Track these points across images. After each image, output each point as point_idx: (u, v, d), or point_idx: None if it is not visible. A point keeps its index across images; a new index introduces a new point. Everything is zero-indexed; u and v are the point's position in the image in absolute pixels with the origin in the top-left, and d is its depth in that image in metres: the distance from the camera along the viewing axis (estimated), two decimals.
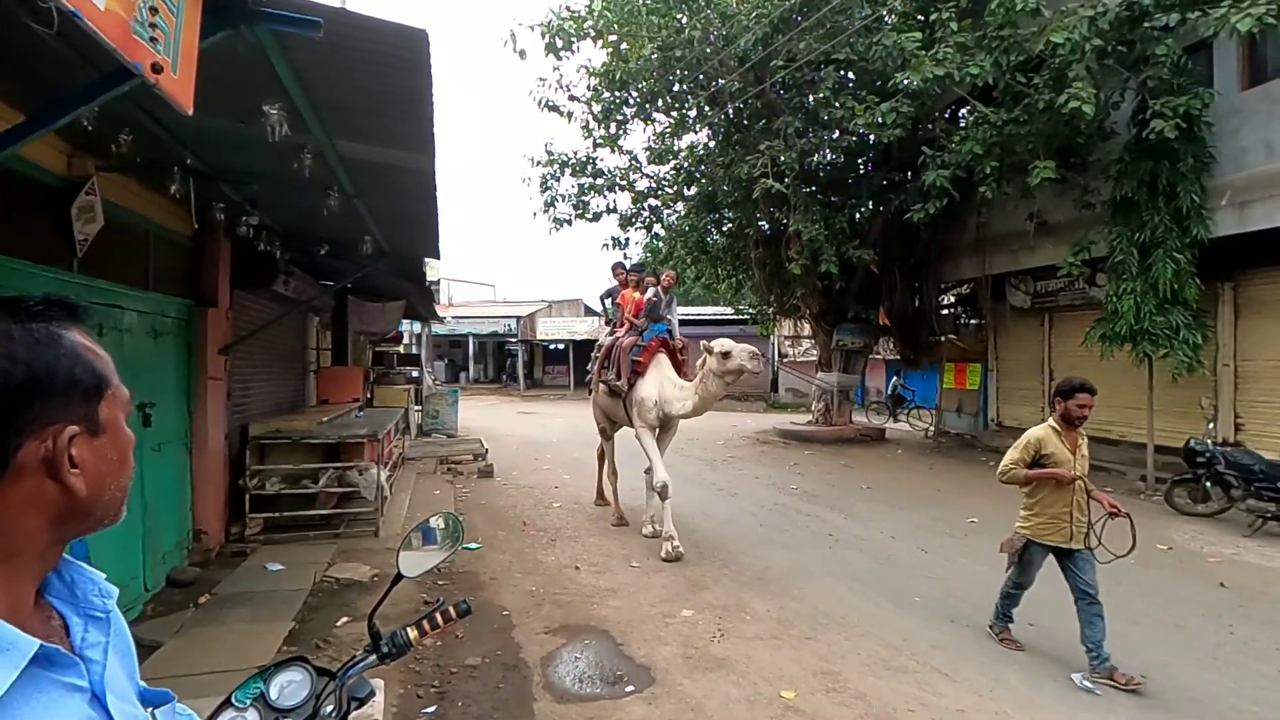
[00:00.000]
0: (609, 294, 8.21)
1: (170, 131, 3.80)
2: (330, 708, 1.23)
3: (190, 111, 2.00)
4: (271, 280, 6.75)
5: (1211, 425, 8.74)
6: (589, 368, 8.14)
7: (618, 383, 6.96)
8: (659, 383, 6.77)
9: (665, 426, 7.02)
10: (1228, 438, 8.88)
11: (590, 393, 8.18)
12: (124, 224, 4.74)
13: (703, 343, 6.30)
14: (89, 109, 2.37)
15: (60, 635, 0.70)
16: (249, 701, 1.17)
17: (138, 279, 5.03)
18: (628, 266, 8.28)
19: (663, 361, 6.95)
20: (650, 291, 7.29)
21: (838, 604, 5.12)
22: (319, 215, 4.89)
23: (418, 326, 20.51)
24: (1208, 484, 7.51)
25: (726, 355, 6.03)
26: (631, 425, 7.19)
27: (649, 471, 6.87)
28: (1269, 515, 6.87)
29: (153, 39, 1.72)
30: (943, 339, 14.96)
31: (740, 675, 3.96)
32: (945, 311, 15.24)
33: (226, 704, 1.13)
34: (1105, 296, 9.31)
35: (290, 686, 1.21)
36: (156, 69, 1.72)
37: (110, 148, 3.70)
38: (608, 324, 8.27)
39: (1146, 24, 8.35)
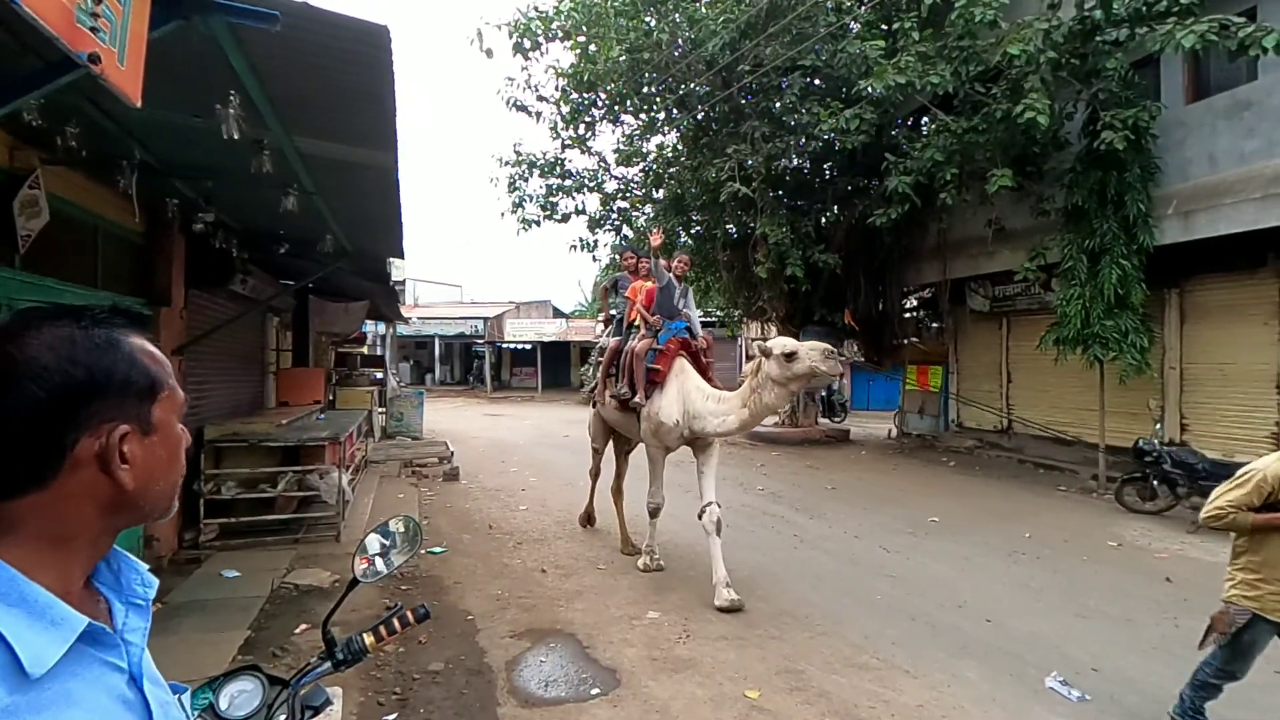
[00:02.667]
0: (615, 284, 6.87)
1: (119, 124, 3.67)
2: (283, 717, 1.20)
3: (138, 104, 1.94)
4: (228, 279, 6.57)
5: (1159, 426, 9.09)
6: (589, 374, 6.79)
7: (635, 398, 5.77)
8: (682, 395, 5.58)
9: (699, 446, 5.77)
10: (1174, 438, 9.24)
11: (594, 405, 6.92)
12: (71, 219, 4.56)
13: (757, 343, 5.20)
14: (31, 100, 2.28)
15: (105, 618, 0.75)
16: (197, 713, 1.13)
17: (86, 277, 4.85)
18: (640, 251, 6.75)
19: (685, 368, 5.74)
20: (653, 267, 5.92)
21: (801, 603, 5.18)
22: (278, 213, 4.78)
23: (382, 327, 20.18)
24: (1155, 482, 7.79)
25: (791, 357, 4.86)
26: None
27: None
28: None
29: (98, 28, 1.66)
30: (905, 341, 15.28)
31: (705, 675, 3.98)
32: (908, 315, 15.57)
33: None
34: (1055, 301, 9.62)
35: (241, 696, 1.18)
36: (94, 58, 1.65)
37: (56, 140, 3.55)
38: (607, 324, 6.80)
39: (1098, 38, 8.66)
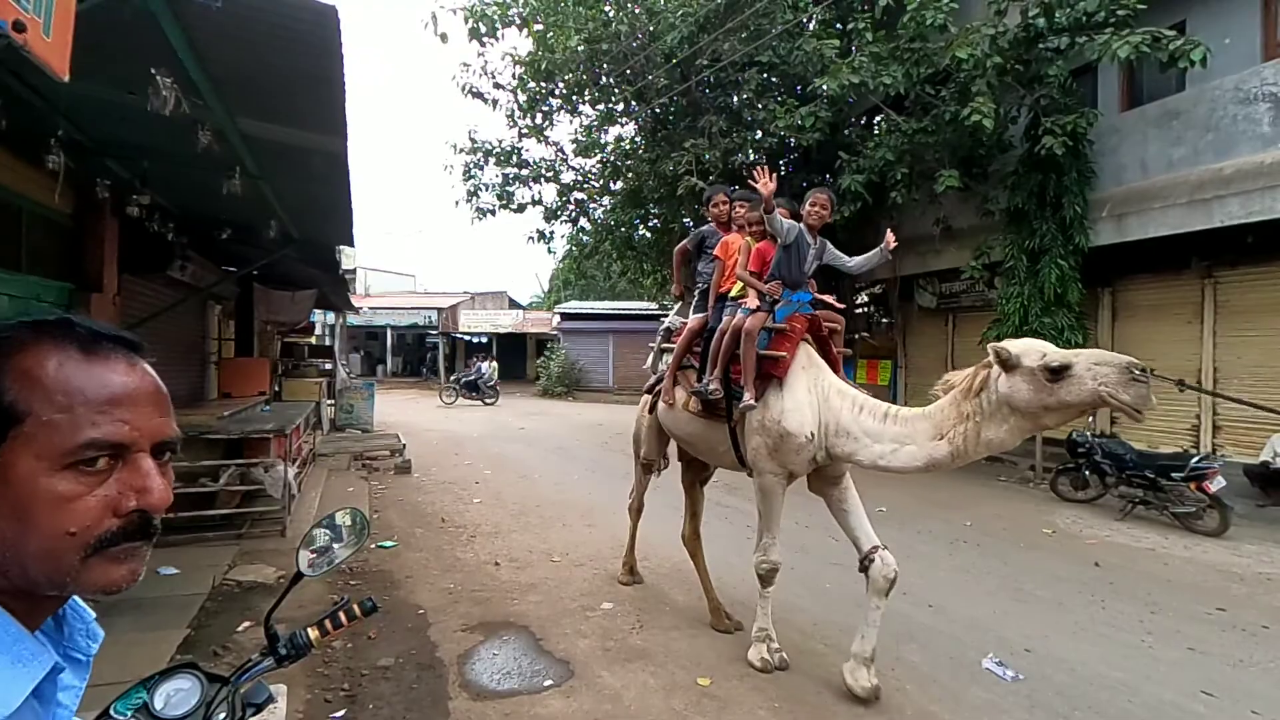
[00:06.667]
0: (700, 243, 4.77)
1: (46, 99, 3.48)
2: (223, 715, 1.17)
3: (66, 78, 1.84)
4: (165, 265, 6.32)
5: (1091, 419, 9.52)
6: (652, 366, 5.12)
7: (748, 400, 3.85)
8: (817, 399, 3.80)
9: (827, 475, 4.11)
10: (1105, 430, 9.70)
11: (649, 409, 5.12)
12: None
13: (991, 346, 3.05)
14: None
15: None
16: (130, 713, 1.09)
17: (9, 260, 4.59)
18: (733, 195, 4.66)
19: (815, 360, 3.97)
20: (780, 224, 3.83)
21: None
22: (220, 197, 4.60)
23: (331, 317, 19.64)
24: (1086, 472, 8.19)
25: (1059, 373, 2.81)
26: (736, 466, 4.46)
27: (762, 550, 4.25)
28: (1137, 500, 7.57)
29: None
30: (856, 337, 15.64)
31: (658, 665, 4.03)
32: (859, 310, 15.94)
33: (105, 717, 1.05)
34: (998, 298, 10.00)
35: (178, 695, 1.14)
36: (16, 26, 1.57)
37: None
38: (680, 298, 5.00)
39: (1041, 45, 9.00)
